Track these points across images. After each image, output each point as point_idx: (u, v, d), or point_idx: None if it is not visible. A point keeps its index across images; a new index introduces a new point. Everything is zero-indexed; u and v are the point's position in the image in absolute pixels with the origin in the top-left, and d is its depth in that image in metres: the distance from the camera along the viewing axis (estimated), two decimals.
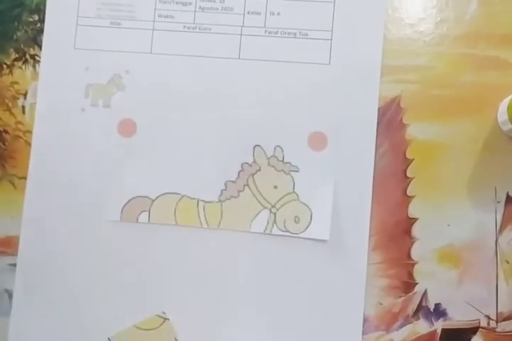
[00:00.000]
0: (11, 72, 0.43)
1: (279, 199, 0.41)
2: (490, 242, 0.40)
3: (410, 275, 0.40)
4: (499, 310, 0.40)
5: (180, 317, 0.41)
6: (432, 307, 0.40)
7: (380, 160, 0.41)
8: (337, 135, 0.41)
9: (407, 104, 0.41)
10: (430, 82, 0.41)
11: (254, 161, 0.41)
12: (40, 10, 0.43)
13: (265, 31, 0.42)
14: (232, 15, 0.42)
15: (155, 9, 0.43)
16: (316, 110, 0.41)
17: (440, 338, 0.40)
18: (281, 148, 0.41)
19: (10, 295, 0.42)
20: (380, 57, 0.41)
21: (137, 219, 0.41)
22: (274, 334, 0.40)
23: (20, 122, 0.43)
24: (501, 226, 0.40)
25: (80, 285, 0.41)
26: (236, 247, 0.41)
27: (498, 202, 0.40)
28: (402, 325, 0.40)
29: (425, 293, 0.40)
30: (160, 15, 0.42)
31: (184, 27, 0.42)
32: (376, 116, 0.41)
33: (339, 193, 0.40)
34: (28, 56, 0.43)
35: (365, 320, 0.40)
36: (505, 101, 0.40)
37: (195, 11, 0.42)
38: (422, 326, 0.40)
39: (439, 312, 0.40)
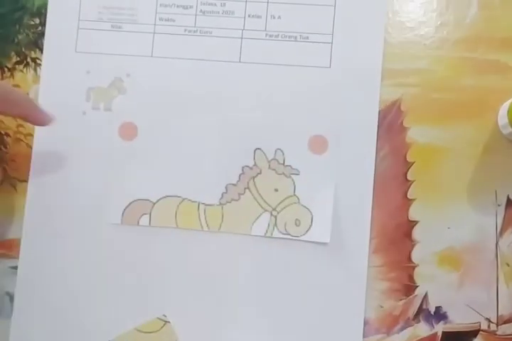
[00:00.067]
0: (12, 75, 0.43)
1: (280, 202, 0.41)
2: (490, 245, 0.40)
3: (411, 278, 0.40)
4: (500, 313, 0.40)
5: (181, 320, 0.41)
6: (432, 310, 0.40)
7: (381, 163, 0.41)
8: (337, 138, 0.41)
9: (407, 108, 0.41)
10: (430, 86, 0.41)
11: (255, 164, 0.41)
12: (42, 13, 0.43)
13: (266, 35, 0.42)
14: (233, 18, 0.42)
15: (156, 13, 0.43)
16: (316, 113, 0.41)
17: None
18: (281, 151, 0.41)
19: (11, 297, 0.42)
20: (381, 60, 0.41)
21: (138, 222, 0.41)
22: (274, 337, 0.40)
23: (21, 125, 0.43)
24: (502, 229, 0.40)
25: (81, 288, 0.41)
26: (237, 250, 0.41)
27: (499, 205, 0.40)
28: (402, 328, 0.40)
29: (426, 296, 0.40)
30: (161, 19, 0.43)
31: (185, 30, 0.42)
32: (377, 120, 0.41)
33: (340, 196, 0.41)
34: (29, 59, 0.43)
35: (365, 322, 0.40)
36: (506, 105, 0.40)
37: (196, 15, 0.42)
38: (422, 329, 0.40)
39: (439, 315, 0.40)
